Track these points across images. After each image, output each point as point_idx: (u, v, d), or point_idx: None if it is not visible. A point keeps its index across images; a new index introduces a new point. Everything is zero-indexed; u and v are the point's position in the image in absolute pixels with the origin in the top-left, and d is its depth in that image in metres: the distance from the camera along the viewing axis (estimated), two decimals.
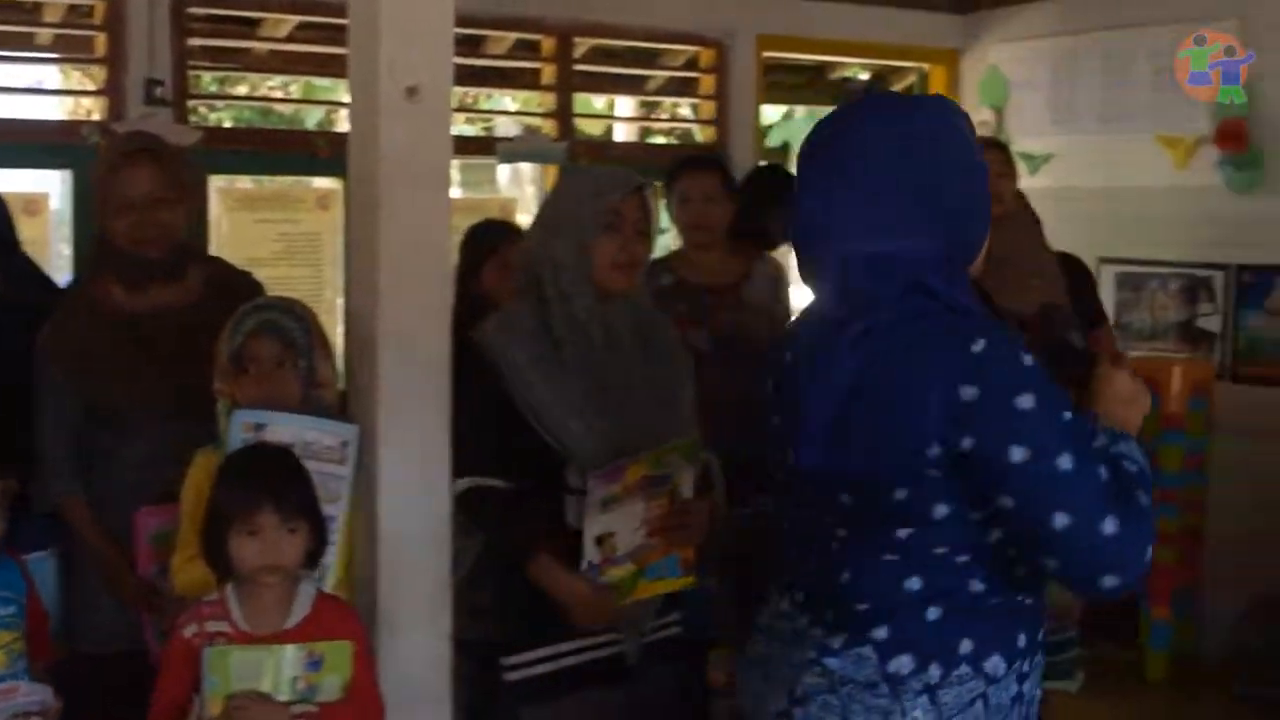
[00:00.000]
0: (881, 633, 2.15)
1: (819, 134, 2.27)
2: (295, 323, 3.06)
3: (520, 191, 9.80)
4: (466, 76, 6.17)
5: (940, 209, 2.19)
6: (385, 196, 3.03)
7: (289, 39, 5.26)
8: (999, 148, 4.72)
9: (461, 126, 9.40)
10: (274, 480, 2.70)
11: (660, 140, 8.34)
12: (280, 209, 5.22)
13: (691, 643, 3.67)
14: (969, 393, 2.03)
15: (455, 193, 3.87)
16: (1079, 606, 4.48)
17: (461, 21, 5.36)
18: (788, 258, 5.54)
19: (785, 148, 13.84)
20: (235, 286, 3.51)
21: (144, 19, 4.69)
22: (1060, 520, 2.01)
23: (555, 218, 3.06)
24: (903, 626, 2.15)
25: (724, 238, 4.62)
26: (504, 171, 9.56)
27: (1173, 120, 5.75)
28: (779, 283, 4.70)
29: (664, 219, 4.62)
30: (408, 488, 3.08)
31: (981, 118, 6.46)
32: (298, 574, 2.73)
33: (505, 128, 7.80)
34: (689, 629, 3.50)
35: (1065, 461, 2.02)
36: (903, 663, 2.14)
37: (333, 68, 5.22)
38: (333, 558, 2.95)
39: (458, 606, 3.25)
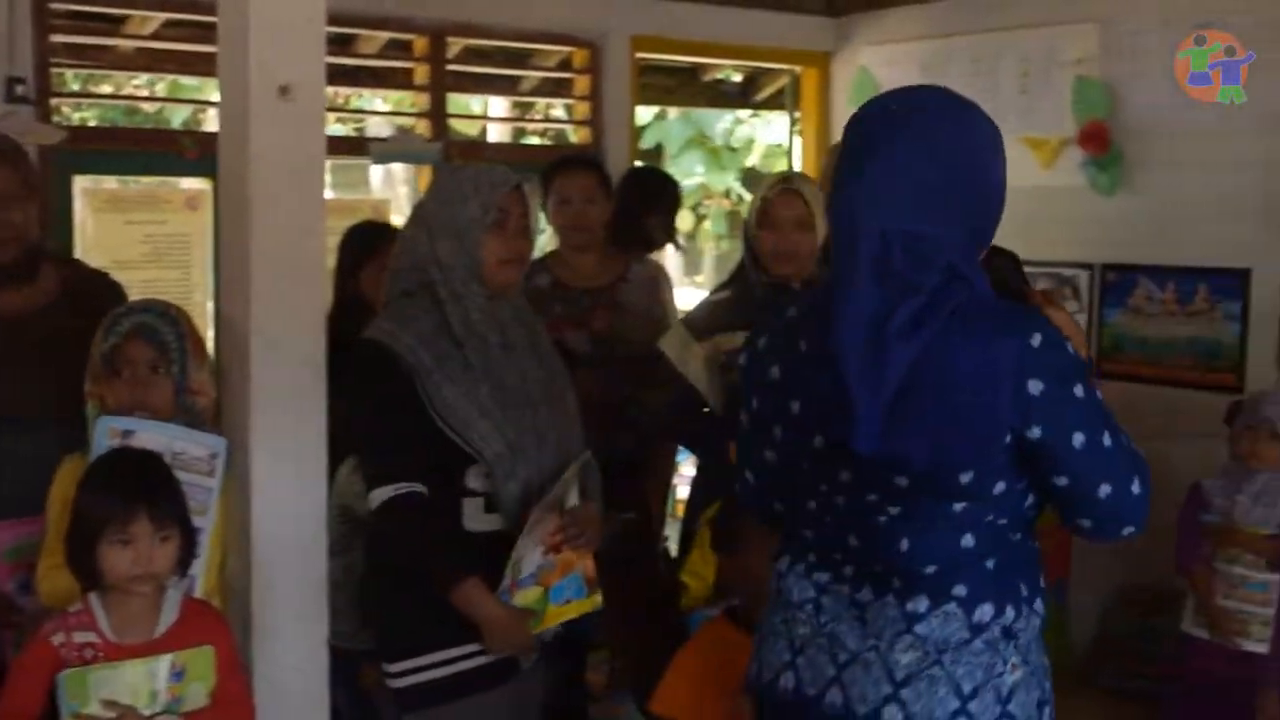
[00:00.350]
0: (961, 589, 2.27)
1: (871, 113, 2.38)
2: (170, 328, 3.01)
3: (393, 193, 9.73)
4: (338, 76, 6.10)
5: (971, 196, 2.30)
6: (256, 197, 3.01)
7: (155, 36, 5.16)
8: None
9: (333, 127, 9.33)
10: (147, 487, 2.65)
11: (535, 141, 8.32)
12: (147, 210, 5.11)
13: (573, 644, 3.70)
14: (1035, 387, 2.17)
15: (328, 194, 3.81)
16: None
17: (332, 20, 5.30)
18: (665, 260, 5.60)
19: (659, 149, 13.96)
20: (92, 289, 3.44)
21: (4, 15, 4.56)
22: (1104, 490, 2.23)
23: (438, 218, 3.01)
24: (974, 579, 2.28)
25: (602, 239, 4.62)
26: (377, 173, 9.48)
27: (1038, 122, 5.85)
28: (657, 285, 4.69)
29: (540, 220, 4.63)
30: (282, 492, 3.07)
31: None
32: (165, 581, 2.69)
33: (378, 128, 7.71)
34: (570, 630, 3.50)
35: (1107, 439, 2.23)
36: (985, 611, 2.27)
37: (200, 66, 5.12)
38: (200, 569, 2.91)
39: (345, 614, 3.23)
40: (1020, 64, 5.92)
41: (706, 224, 14.39)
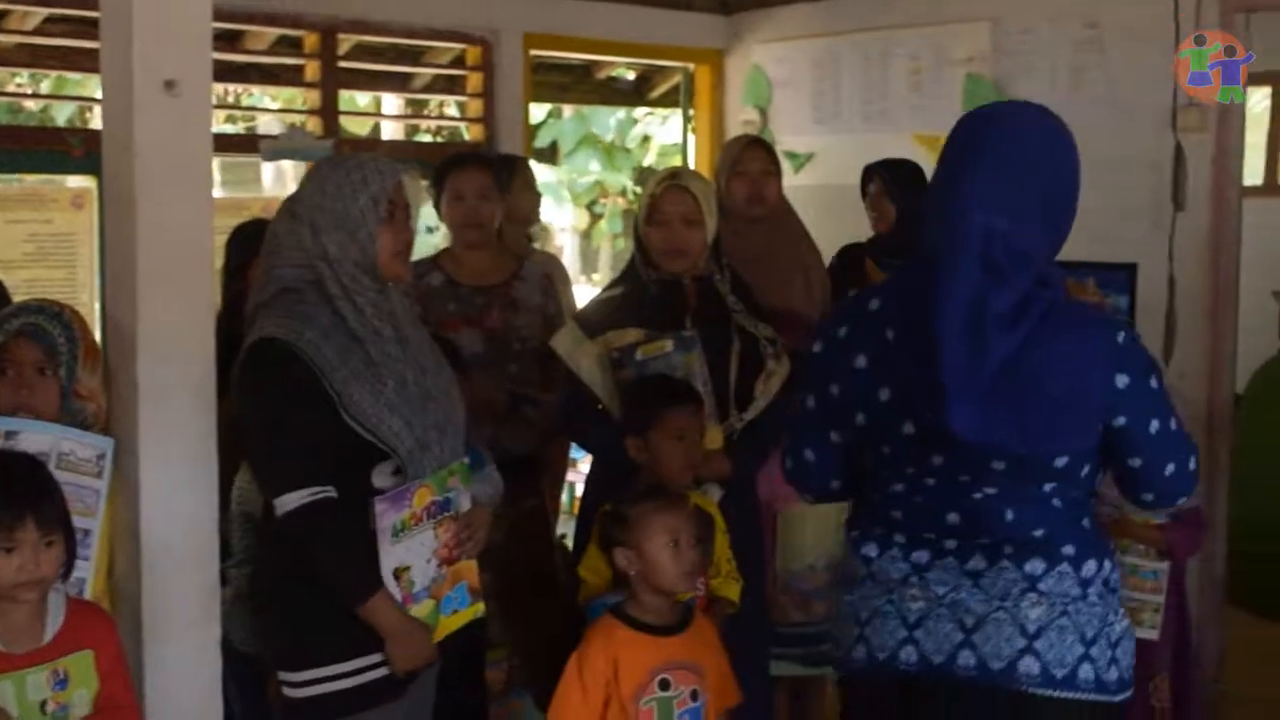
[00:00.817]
0: (1069, 548, 2.55)
1: (986, 116, 2.68)
2: (61, 330, 2.93)
3: (284, 190, 9.61)
4: (228, 73, 6.03)
5: (1055, 209, 2.54)
6: (142, 195, 2.94)
7: (38, 32, 5.05)
8: (764, 147, 4.78)
9: (223, 124, 9.21)
10: (32, 492, 2.59)
11: (427, 138, 8.26)
12: (32, 209, 5.00)
13: (468, 644, 3.66)
14: (1122, 380, 2.47)
15: (217, 192, 3.76)
16: None
17: (222, 16, 5.32)
18: (561, 255, 5.60)
19: (554, 146, 13.93)
20: None
21: None
22: (1169, 468, 2.57)
23: (324, 212, 2.94)
24: (1079, 539, 2.57)
25: (494, 236, 4.59)
26: (268, 170, 9.36)
27: (930, 120, 5.89)
28: (552, 281, 4.67)
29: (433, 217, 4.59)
30: (171, 494, 3.00)
31: (746, 117, 6.58)
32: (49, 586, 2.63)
33: (269, 126, 7.62)
34: (464, 631, 3.52)
35: (1173, 424, 2.55)
36: (1090, 567, 2.57)
37: (84, 62, 5.02)
38: (88, 571, 2.85)
39: (241, 620, 3.18)
40: (911, 62, 5.97)
41: (603, 223, 14.39)
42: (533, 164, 5.47)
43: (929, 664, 2.57)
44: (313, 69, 5.61)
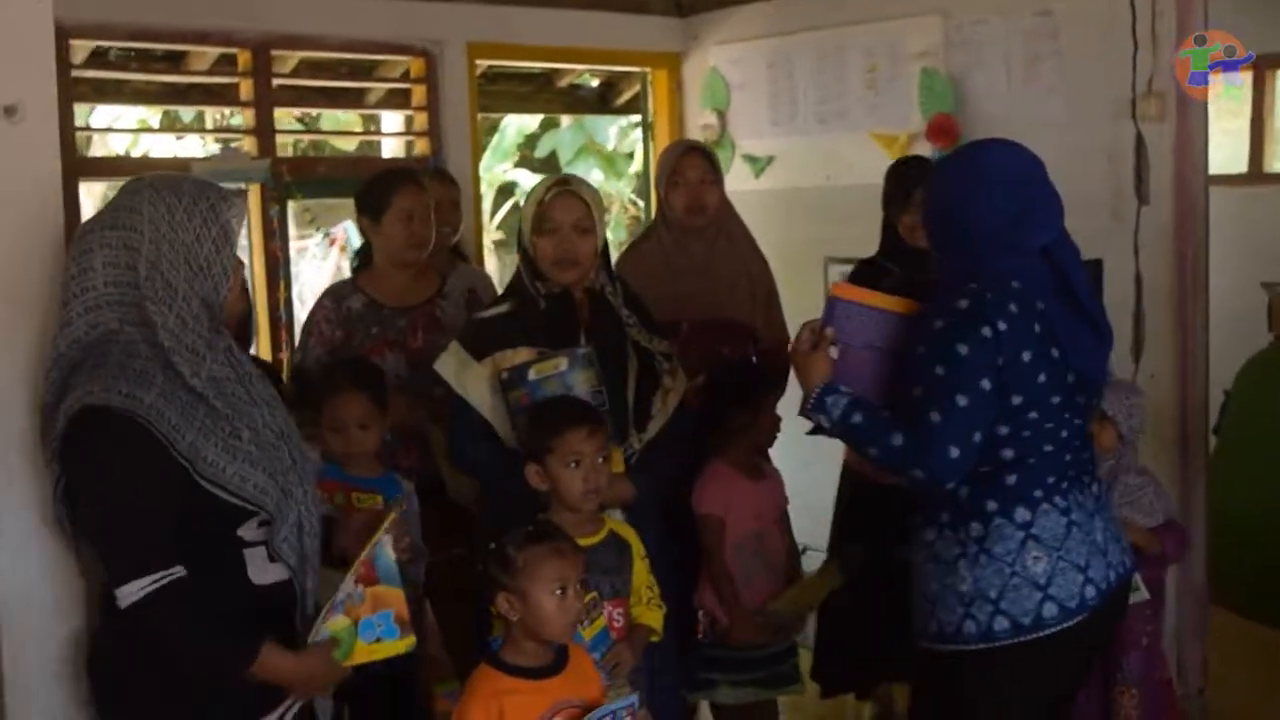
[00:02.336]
0: None
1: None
2: None
3: None
4: (171, 94, 5.91)
5: None
6: None
7: None
8: (703, 154, 4.60)
9: (175, 145, 9.10)
10: None
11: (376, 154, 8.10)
12: None
13: (398, 676, 3.56)
14: None
15: None
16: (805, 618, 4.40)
17: (154, 36, 5.21)
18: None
19: (553, 157, 13.82)
20: None
21: None
22: None
23: (170, 245, 2.60)
24: None
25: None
26: None
27: (886, 117, 5.74)
28: (477, 296, 4.49)
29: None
30: (28, 543, 2.84)
31: (705, 121, 6.41)
32: None
33: (210, 147, 7.48)
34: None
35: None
36: None
37: None
38: None
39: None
40: (866, 59, 5.79)
41: (608, 232, 14.26)
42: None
43: (1119, 579, 3.12)
44: (247, 87, 5.45)
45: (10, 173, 2.80)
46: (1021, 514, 3.03)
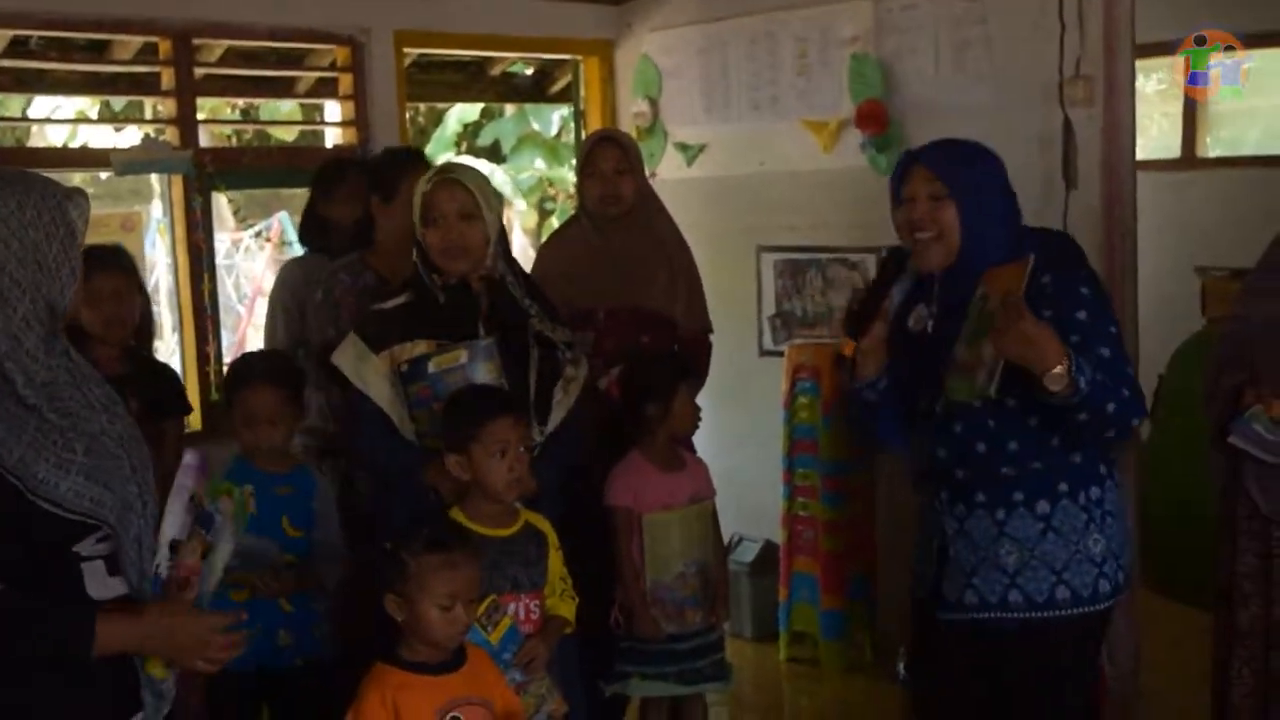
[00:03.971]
0: None
1: None
2: None
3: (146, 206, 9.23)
4: (95, 84, 5.78)
5: None
6: None
7: None
8: (617, 144, 4.51)
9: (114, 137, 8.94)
10: None
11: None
12: None
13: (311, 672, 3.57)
14: None
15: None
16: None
17: (73, 25, 5.08)
18: None
19: (496, 145, 13.75)
20: None
21: None
22: None
23: (14, 244, 2.38)
24: None
25: None
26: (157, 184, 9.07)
27: (818, 104, 5.68)
28: None
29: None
30: None
31: (637, 109, 6.33)
32: None
33: (131, 138, 7.30)
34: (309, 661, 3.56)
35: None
36: None
37: None
38: None
39: None
40: (797, 44, 5.73)
41: (553, 218, 14.19)
42: (481, 163, 5.24)
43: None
44: (168, 77, 5.33)
45: None
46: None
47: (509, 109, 13.12)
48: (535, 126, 13.54)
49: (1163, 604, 5.38)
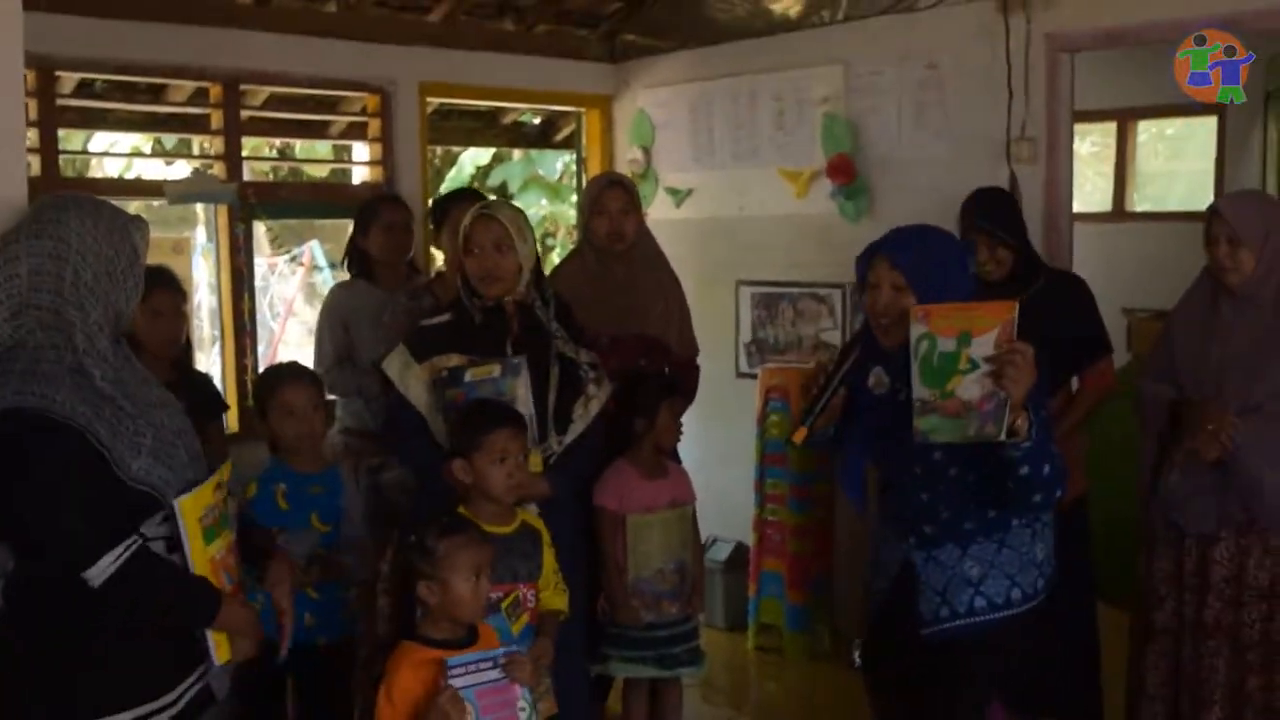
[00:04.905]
0: None
1: None
2: None
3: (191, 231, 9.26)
4: (152, 122, 5.83)
5: None
6: None
7: None
8: (623, 187, 4.56)
9: (163, 170, 8.98)
10: None
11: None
12: None
13: (331, 652, 3.60)
14: None
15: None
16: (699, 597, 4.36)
17: (136, 70, 5.14)
18: None
19: (504, 187, 13.79)
20: None
21: None
22: None
23: (96, 258, 2.51)
24: None
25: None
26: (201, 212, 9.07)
27: (792, 155, 5.74)
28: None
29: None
30: None
31: (632, 156, 6.39)
32: None
33: (183, 171, 7.35)
34: (331, 640, 3.57)
35: None
36: None
37: None
38: None
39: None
40: (775, 103, 5.80)
41: (554, 254, 14.23)
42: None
43: None
44: (217, 117, 5.38)
45: None
46: None
47: (516, 154, 13.18)
48: (540, 171, 13.61)
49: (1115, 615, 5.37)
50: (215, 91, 5.36)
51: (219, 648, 2.61)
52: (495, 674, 2.84)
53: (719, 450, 5.76)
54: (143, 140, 9.77)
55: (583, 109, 6.62)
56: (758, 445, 5.60)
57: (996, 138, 5.00)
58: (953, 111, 5.18)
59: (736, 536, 5.79)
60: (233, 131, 5.38)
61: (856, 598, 5.37)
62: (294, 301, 10.24)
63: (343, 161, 6.61)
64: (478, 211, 3.65)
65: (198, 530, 2.55)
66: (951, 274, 3.10)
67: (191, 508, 2.53)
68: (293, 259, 10.21)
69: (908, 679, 3.30)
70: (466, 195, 4.59)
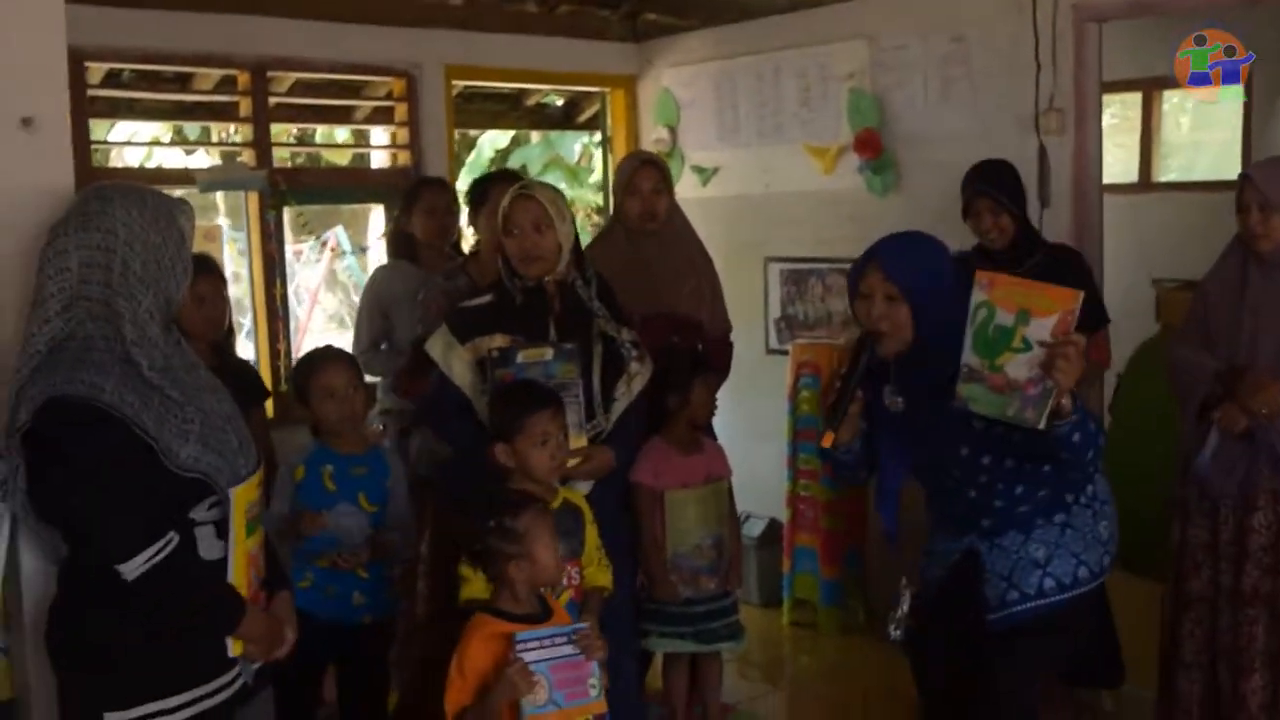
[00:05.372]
0: None
1: None
2: None
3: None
4: (179, 111, 5.86)
5: None
6: (3, 229, 2.76)
7: None
8: (656, 167, 4.59)
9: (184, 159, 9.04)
10: None
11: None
12: None
13: (374, 630, 3.63)
14: None
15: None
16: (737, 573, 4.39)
17: (160, 59, 5.17)
18: None
19: (524, 169, 13.82)
20: None
21: None
22: None
23: (144, 247, 2.54)
24: None
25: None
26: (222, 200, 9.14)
27: (818, 132, 5.75)
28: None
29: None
30: None
31: (658, 136, 6.41)
32: None
33: (213, 159, 7.42)
34: (376, 618, 3.58)
35: None
36: None
37: None
38: None
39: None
40: (800, 79, 5.80)
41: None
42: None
43: None
44: (246, 105, 5.41)
45: (27, 178, 2.77)
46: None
47: (535, 137, 13.20)
48: (559, 153, 13.64)
49: (1119, 575, 5.39)
50: (243, 79, 5.39)
51: (232, 645, 2.65)
52: (569, 649, 2.88)
53: (750, 427, 5.78)
54: (162, 130, 9.86)
55: (607, 89, 6.64)
56: (790, 421, 5.63)
57: (1024, 110, 5.00)
58: (980, 84, 5.18)
59: (769, 513, 5.82)
60: (261, 118, 5.41)
61: (889, 573, 5.41)
62: (319, 290, 10.29)
63: (367, 146, 6.63)
64: (516, 192, 3.67)
65: (242, 522, 2.60)
66: (943, 281, 3.06)
67: (241, 498, 2.58)
68: (324, 244, 10.28)
69: (962, 665, 3.27)
70: (505, 177, 4.59)
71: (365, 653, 3.74)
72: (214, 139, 7.71)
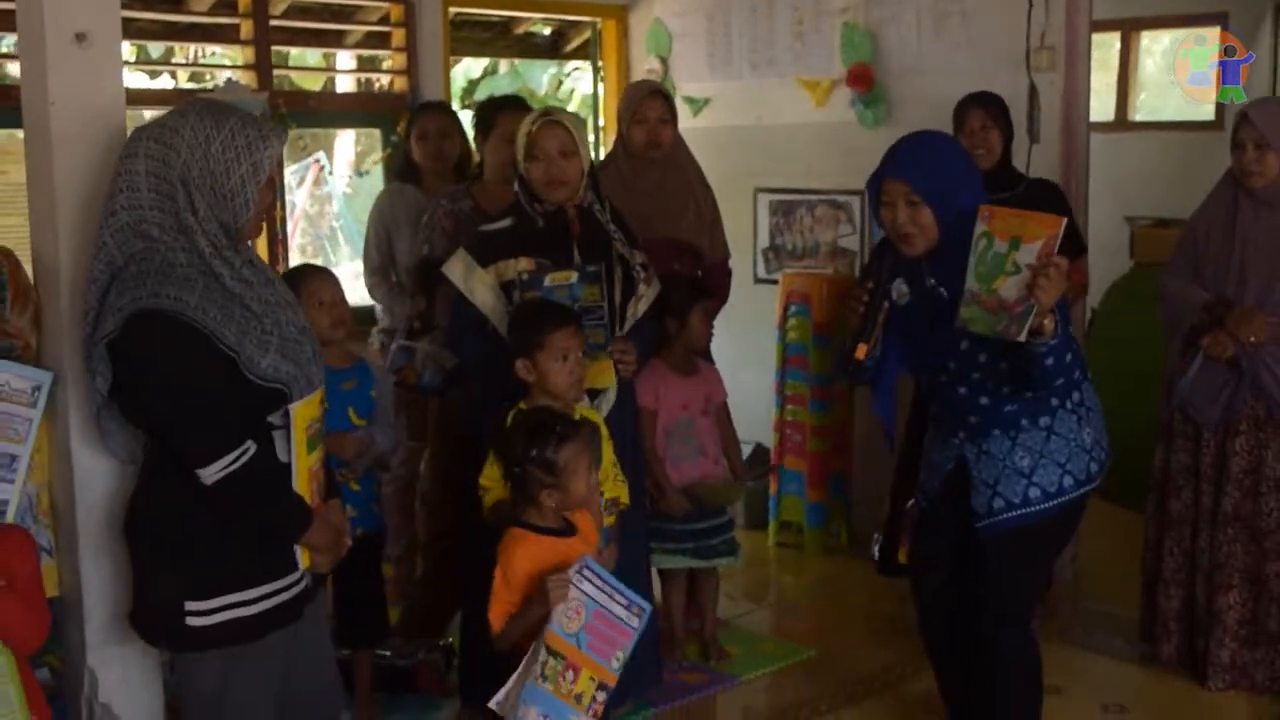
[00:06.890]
0: None
1: None
2: None
3: None
4: (173, 33, 5.86)
5: None
6: (58, 140, 2.85)
7: None
8: (662, 96, 4.68)
9: (168, 79, 8.98)
10: None
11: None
12: None
13: (366, 540, 3.68)
14: None
15: None
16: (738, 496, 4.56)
17: None
18: None
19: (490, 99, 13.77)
20: None
21: None
22: None
23: (203, 172, 2.58)
24: None
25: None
26: None
27: (810, 65, 5.84)
28: None
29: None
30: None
31: (649, 67, 6.47)
32: None
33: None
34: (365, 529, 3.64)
35: None
36: None
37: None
38: (13, 494, 2.76)
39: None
40: (794, 13, 5.88)
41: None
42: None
43: None
44: (247, 27, 5.44)
45: (83, 90, 2.85)
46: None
47: (503, 67, 13.17)
48: (527, 83, 13.60)
49: (1098, 504, 5.57)
50: (244, 1, 5.41)
51: (302, 556, 2.75)
52: (624, 614, 2.93)
53: (737, 354, 5.90)
54: (130, 51, 9.79)
55: (599, 19, 6.68)
56: (778, 348, 5.76)
57: (1015, 46, 5.10)
58: (972, 20, 5.29)
59: (756, 438, 5.96)
60: (262, 40, 5.44)
61: (871, 495, 5.58)
62: (300, 215, 10.30)
63: (371, 70, 6.63)
64: (543, 119, 3.74)
65: (303, 439, 2.70)
66: (959, 174, 3.22)
67: (301, 415, 2.68)
68: (315, 159, 10.30)
69: (956, 576, 3.43)
70: (513, 103, 4.66)
71: (357, 566, 3.80)
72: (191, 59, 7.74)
